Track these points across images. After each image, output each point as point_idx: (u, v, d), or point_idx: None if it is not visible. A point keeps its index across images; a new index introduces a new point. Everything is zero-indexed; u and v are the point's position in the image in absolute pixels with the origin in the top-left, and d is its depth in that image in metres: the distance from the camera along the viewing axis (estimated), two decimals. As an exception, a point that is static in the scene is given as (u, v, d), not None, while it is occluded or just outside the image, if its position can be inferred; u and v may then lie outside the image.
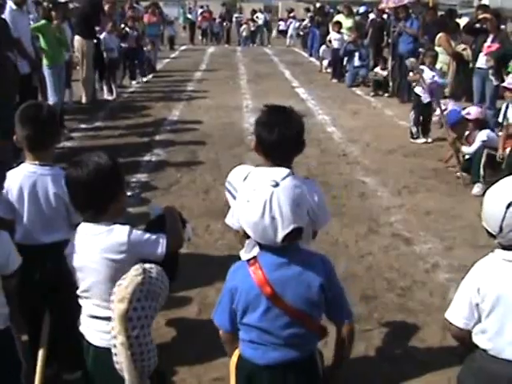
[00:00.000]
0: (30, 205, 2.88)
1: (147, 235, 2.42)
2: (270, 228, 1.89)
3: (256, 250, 2.13)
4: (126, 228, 2.37)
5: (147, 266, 2.18)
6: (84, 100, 10.98)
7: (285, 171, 2.00)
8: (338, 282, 2.14)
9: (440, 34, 10.34)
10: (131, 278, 2.10)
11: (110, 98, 11.83)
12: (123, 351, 2.10)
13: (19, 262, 2.51)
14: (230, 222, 2.73)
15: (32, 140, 2.85)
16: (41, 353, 2.84)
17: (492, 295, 2.09)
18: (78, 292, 2.45)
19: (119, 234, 2.34)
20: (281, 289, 1.99)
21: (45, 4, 8.71)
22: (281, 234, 1.90)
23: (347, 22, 15.57)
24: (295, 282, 2.00)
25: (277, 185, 1.91)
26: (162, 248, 2.42)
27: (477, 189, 6.41)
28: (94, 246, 2.34)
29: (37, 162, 2.88)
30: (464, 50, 10.27)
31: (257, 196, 1.91)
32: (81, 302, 2.47)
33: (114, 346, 2.13)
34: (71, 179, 2.36)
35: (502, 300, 2.08)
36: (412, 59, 8.75)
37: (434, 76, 8.35)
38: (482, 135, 6.62)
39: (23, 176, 2.88)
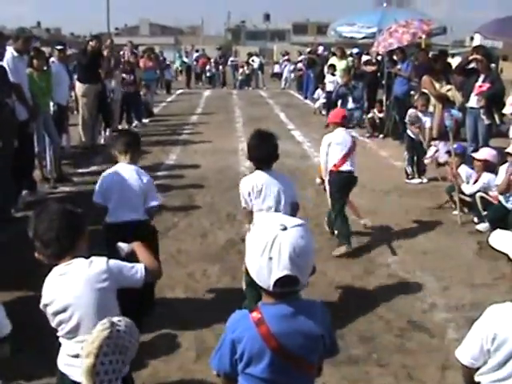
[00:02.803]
0: (125, 189, 4.15)
1: (125, 263, 2.63)
2: (265, 268, 1.91)
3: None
4: (104, 258, 2.57)
5: (115, 319, 2.21)
6: (81, 144, 11.15)
7: (299, 220, 2.02)
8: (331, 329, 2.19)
9: (424, 77, 10.56)
10: (98, 332, 2.12)
11: (101, 142, 12.04)
12: None
13: (9, 328, 2.64)
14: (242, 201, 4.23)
15: (129, 146, 4.25)
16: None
17: (509, 346, 2.17)
18: (62, 334, 2.54)
19: (99, 263, 2.53)
20: (285, 341, 1.98)
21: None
22: (274, 276, 1.90)
23: (341, 64, 15.84)
24: (299, 334, 2.00)
25: (285, 229, 1.93)
26: (140, 274, 2.63)
27: (481, 225, 6.58)
28: (76, 281, 2.48)
29: (128, 162, 4.24)
30: (449, 90, 10.46)
31: (262, 234, 1.94)
32: (64, 343, 2.56)
33: None
34: (39, 219, 2.55)
35: None
36: (412, 111, 8.88)
37: (426, 121, 8.59)
38: (485, 178, 6.79)
39: (121, 170, 4.22)
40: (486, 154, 7.01)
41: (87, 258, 2.57)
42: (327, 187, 6.05)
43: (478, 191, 6.74)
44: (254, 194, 4.17)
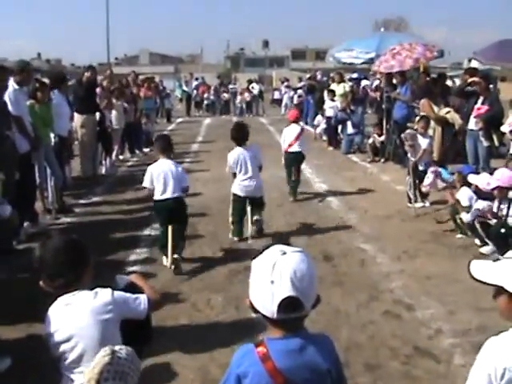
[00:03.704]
0: (167, 176, 6.05)
1: (129, 294, 2.67)
2: (268, 292, 1.91)
3: None
4: (109, 289, 2.61)
5: (117, 347, 2.24)
6: (82, 175, 11.23)
7: (299, 248, 2.05)
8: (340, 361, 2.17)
9: (422, 101, 10.64)
10: (99, 358, 2.16)
11: (103, 172, 12.12)
12: None
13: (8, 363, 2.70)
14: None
15: (165, 147, 6.26)
16: (170, 243, 6.14)
17: None
18: (64, 364, 2.56)
19: (104, 295, 2.58)
20: (292, 377, 1.97)
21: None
22: (276, 299, 1.90)
23: (339, 89, 15.95)
24: (306, 368, 1.99)
25: (284, 254, 1.95)
26: (144, 305, 2.69)
27: (485, 248, 6.60)
28: (81, 311, 2.51)
29: (166, 158, 6.17)
30: (448, 113, 10.54)
31: (263, 260, 1.96)
32: (66, 374, 2.57)
33: None
34: (45, 251, 2.60)
35: None
36: (409, 131, 8.94)
37: (424, 143, 8.62)
38: (479, 205, 6.80)
39: (163, 164, 6.10)
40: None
41: (92, 288, 2.60)
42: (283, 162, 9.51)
43: (475, 218, 6.73)
44: (237, 161, 7.17)
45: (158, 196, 6.08)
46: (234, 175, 7.26)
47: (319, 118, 17.35)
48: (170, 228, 6.13)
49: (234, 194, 7.27)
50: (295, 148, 9.24)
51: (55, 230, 7.63)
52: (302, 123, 21.97)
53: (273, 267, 1.92)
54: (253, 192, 7.21)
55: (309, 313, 1.97)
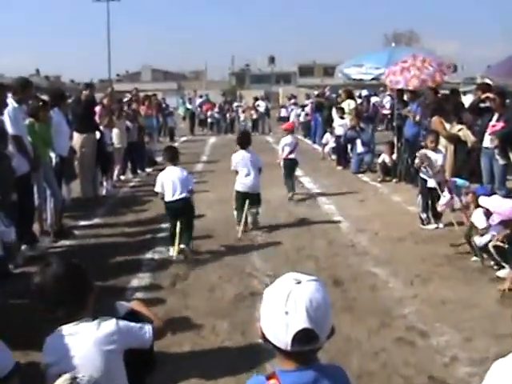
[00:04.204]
0: (174, 182, 7.39)
1: (133, 324, 2.65)
2: (281, 323, 1.90)
3: None
4: (113, 319, 2.59)
5: (80, 375, 2.24)
6: (82, 196, 11.27)
7: (313, 276, 2.03)
8: None
9: (434, 118, 10.65)
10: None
11: (103, 193, 12.20)
12: None
13: (11, 365, 2.65)
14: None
15: (173, 156, 7.68)
16: (177, 236, 7.45)
17: None
18: None
19: (108, 325, 2.56)
20: None
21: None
22: (291, 331, 1.88)
23: (346, 106, 15.98)
24: None
25: (299, 283, 1.94)
26: (149, 334, 2.67)
27: (502, 271, 6.55)
28: (84, 342, 2.50)
29: (174, 165, 7.59)
30: (460, 130, 10.55)
31: (277, 290, 1.95)
32: None
33: None
34: (45, 279, 2.56)
35: None
36: (421, 152, 8.91)
37: (437, 159, 8.61)
38: (494, 229, 6.77)
39: (171, 171, 7.50)
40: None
41: (94, 316, 2.59)
42: (282, 167, 11.59)
43: (490, 241, 6.71)
44: (239, 162, 8.86)
45: (168, 198, 7.51)
46: (237, 173, 8.97)
47: (327, 136, 17.42)
48: (178, 224, 7.48)
49: (236, 191, 9.00)
50: (292, 156, 11.46)
51: (54, 254, 7.66)
52: (309, 141, 22.21)
53: (287, 297, 1.91)
54: (250, 188, 8.87)
55: (323, 344, 1.97)
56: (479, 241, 6.87)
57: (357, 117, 15.15)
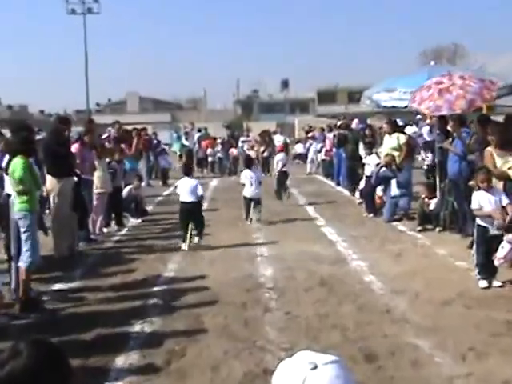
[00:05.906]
0: (186, 188, 12.33)
1: None
2: None
3: None
4: None
5: None
6: (56, 253, 11.22)
7: (332, 357, 1.99)
8: None
9: (486, 149, 10.59)
10: None
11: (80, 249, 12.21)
12: None
13: None
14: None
15: (187, 171, 13.49)
16: (189, 232, 12.18)
17: None
18: None
19: None
20: None
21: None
22: None
23: (392, 142, 15.09)
24: None
25: (315, 368, 1.90)
26: None
27: None
28: None
29: (188, 177, 12.88)
30: (511, 168, 10.54)
31: (289, 376, 1.92)
32: None
33: None
34: (12, 367, 2.30)
35: None
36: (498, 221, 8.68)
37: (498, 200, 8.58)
38: None
39: (185, 180, 12.55)
40: None
41: None
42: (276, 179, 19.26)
43: None
44: (246, 178, 14.99)
45: (181, 199, 12.25)
46: (244, 185, 15.05)
47: (363, 181, 16.51)
48: (189, 223, 11.97)
49: (244, 196, 14.95)
50: (284, 169, 18.98)
51: (20, 330, 7.63)
52: (332, 182, 22.32)
53: None
54: (254, 195, 14.73)
55: None
56: None
57: (408, 154, 14.83)
